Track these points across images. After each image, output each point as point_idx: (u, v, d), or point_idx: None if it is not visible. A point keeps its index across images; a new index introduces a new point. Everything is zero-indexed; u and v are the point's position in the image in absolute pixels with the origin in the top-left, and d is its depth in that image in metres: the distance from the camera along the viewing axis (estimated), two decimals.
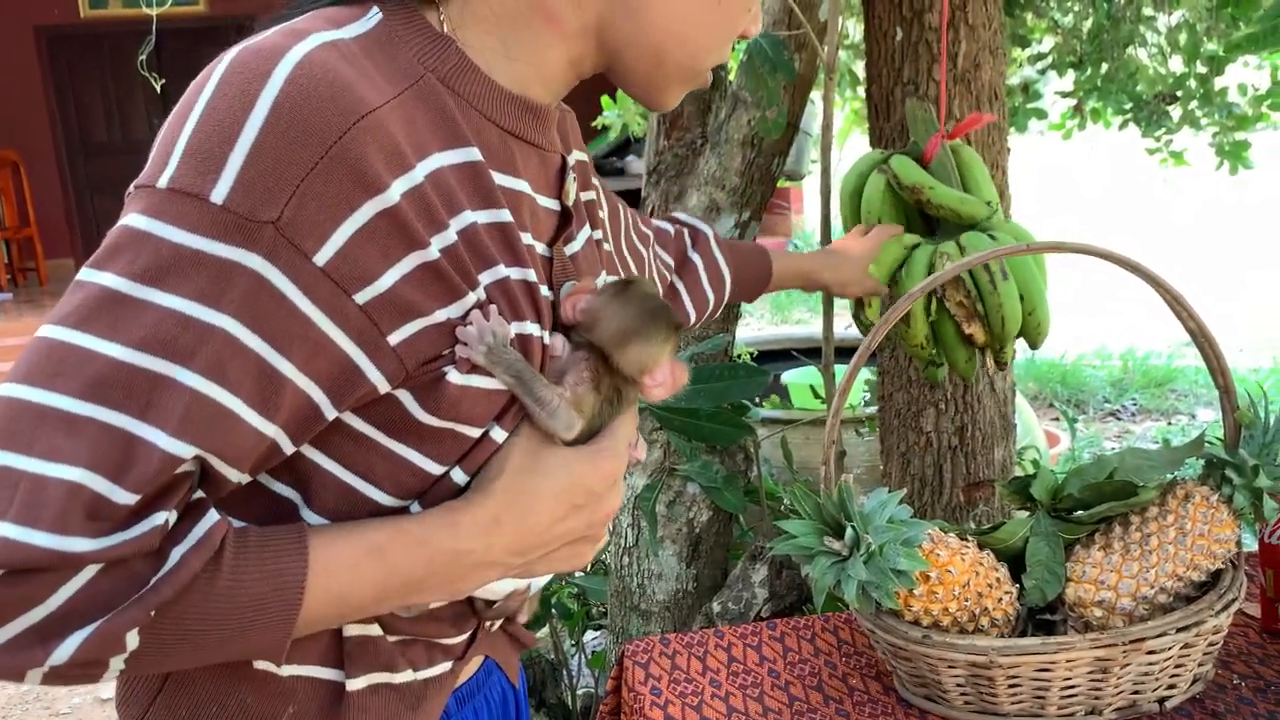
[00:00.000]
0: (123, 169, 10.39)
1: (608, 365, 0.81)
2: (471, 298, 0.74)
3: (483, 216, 0.76)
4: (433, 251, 0.71)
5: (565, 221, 0.88)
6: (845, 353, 3.50)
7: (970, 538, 1.29)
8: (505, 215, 0.77)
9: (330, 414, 0.72)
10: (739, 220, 2.21)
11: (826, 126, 1.75)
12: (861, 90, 3.31)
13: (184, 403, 0.65)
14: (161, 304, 0.65)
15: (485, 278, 0.75)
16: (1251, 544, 1.47)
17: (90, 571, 0.63)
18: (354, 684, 0.82)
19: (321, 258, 0.67)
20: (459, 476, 0.78)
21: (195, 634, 0.67)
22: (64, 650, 0.63)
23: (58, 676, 0.65)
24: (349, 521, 0.75)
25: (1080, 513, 1.29)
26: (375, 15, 0.76)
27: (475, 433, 0.77)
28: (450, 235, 0.72)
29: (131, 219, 0.68)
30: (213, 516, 0.68)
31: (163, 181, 0.67)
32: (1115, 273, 1.30)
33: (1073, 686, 1.19)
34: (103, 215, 10.41)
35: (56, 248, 10.13)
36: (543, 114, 0.84)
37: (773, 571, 2.13)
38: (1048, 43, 5.46)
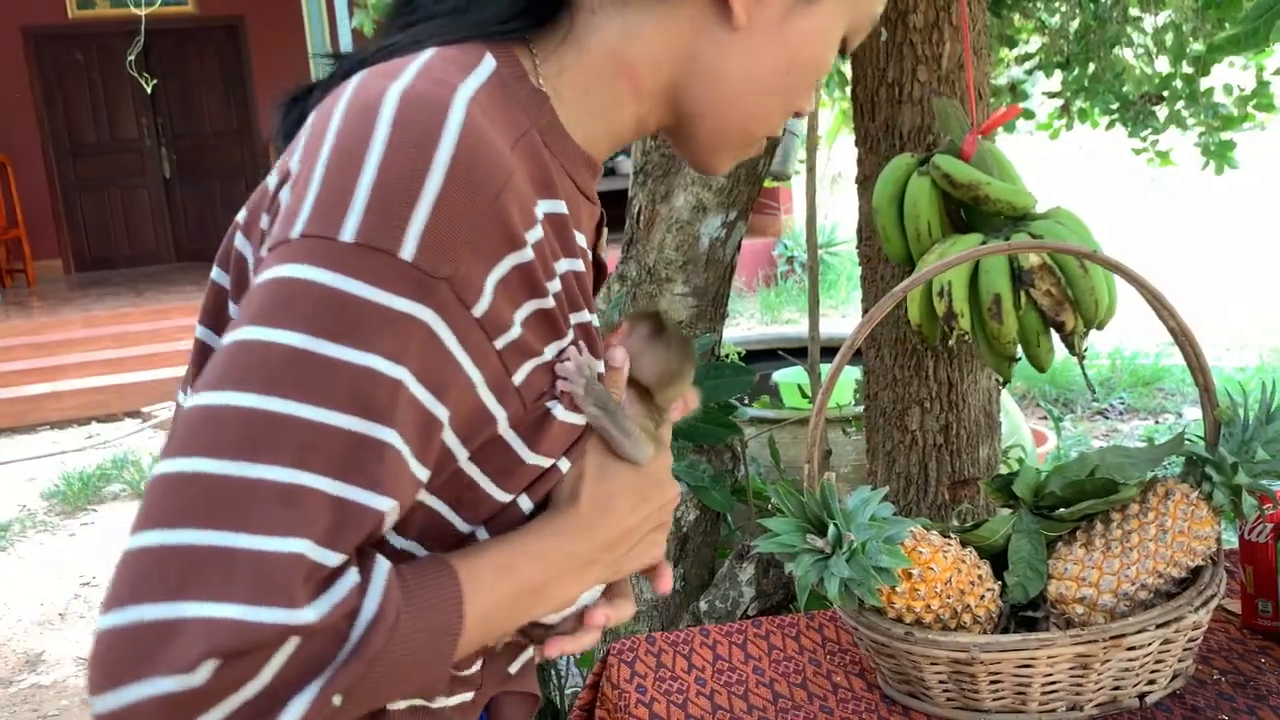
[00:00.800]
0: (111, 169, 10.37)
1: (645, 393, 0.88)
2: (568, 338, 0.79)
3: (571, 265, 0.80)
4: (549, 299, 0.75)
5: (599, 272, 0.93)
6: (834, 352, 3.51)
7: (952, 535, 1.30)
8: (580, 265, 0.81)
9: (463, 458, 0.74)
10: (726, 220, 2.22)
11: (812, 127, 1.76)
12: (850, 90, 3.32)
13: (385, 460, 0.66)
14: (357, 362, 0.65)
15: (573, 319, 0.80)
16: (1233, 541, 1.48)
17: (299, 638, 0.63)
18: (396, 705, 0.81)
19: (478, 310, 0.70)
20: (525, 503, 0.81)
21: (379, 683, 0.67)
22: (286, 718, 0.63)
23: None
24: (469, 547, 0.77)
25: (1062, 510, 1.30)
26: (490, 62, 0.77)
27: (548, 464, 0.81)
28: (557, 282, 0.76)
29: (308, 271, 0.66)
30: (384, 563, 0.68)
31: (346, 235, 0.66)
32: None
33: (1054, 683, 1.20)
34: (91, 215, 10.38)
35: (44, 248, 10.10)
36: (598, 169, 0.88)
37: (759, 570, 2.14)
38: (1035, 43, 5.48)
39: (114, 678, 0.60)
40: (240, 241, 0.79)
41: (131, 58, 6.16)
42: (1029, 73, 5.68)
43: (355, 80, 0.74)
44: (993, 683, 1.20)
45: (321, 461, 0.63)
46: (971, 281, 1.57)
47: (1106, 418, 5.71)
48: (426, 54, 0.75)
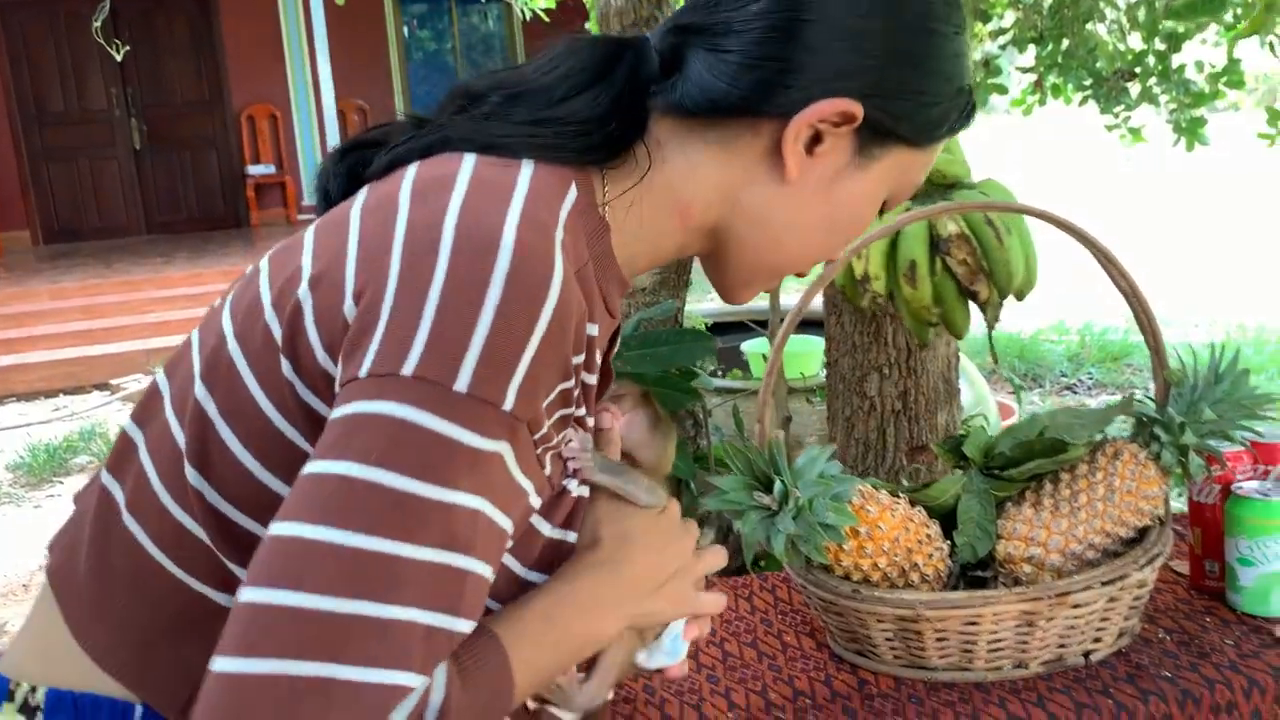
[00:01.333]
0: (79, 139, 10.23)
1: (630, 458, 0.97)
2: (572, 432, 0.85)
3: (589, 379, 0.85)
4: (573, 408, 0.82)
5: (605, 378, 0.96)
6: (809, 324, 3.53)
7: (902, 495, 1.30)
8: (596, 378, 0.86)
9: (509, 545, 0.80)
10: None
11: None
12: None
13: (470, 585, 0.72)
14: (452, 502, 0.70)
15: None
16: (1186, 506, 1.49)
17: None
18: None
19: (538, 435, 0.77)
20: (535, 576, 0.86)
21: None
22: None
23: None
24: (509, 606, 0.83)
25: (1011, 470, 1.30)
26: (573, 194, 0.81)
27: (560, 535, 0.87)
28: (577, 389, 0.81)
29: (422, 417, 0.69)
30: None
31: (461, 386, 0.70)
32: (1072, 250, 1.31)
33: (1000, 640, 1.20)
34: (59, 186, 10.25)
35: (11, 219, 9.97)
36: (629, 288, 0.94)
37: (720, 536, 2.14)
38: (1009, 18, 5.47)
39: None
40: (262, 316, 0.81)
41: (98, 24, 6.07)
42: (1003, 48, 5.67)
43: (446, 200, 0.75)
44: (939, 640, 1.20)
45: (419, 595, 0.69)
46: (893, 247, 1.58)
47: (1075, 392, 5.75)
48: (524, 176, 0.78)
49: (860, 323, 1.93)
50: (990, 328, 1.60)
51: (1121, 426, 1.38)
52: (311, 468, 0.70)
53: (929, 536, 1.25)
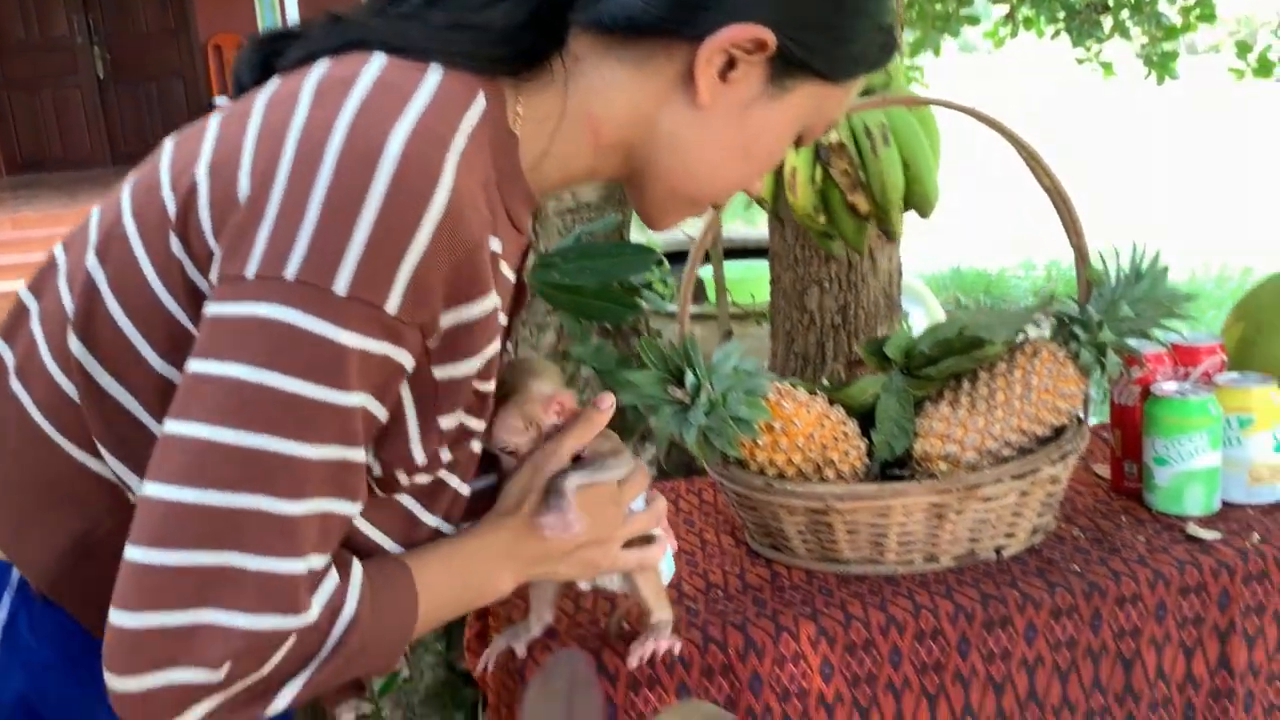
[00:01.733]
0: (41, 67, 10.02)
1: None
2: (481, 357, 0.82)
3: (494, 300, 0.83)
4: (491, 335, 0.83)
5: (519, 294, 0.97)
6: (756, 252, 3.55)
7: (820, 393, 1.29)
8: (497, 301, 0.84)
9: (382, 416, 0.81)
10: None
11: None
12: None
13: (359, 473, 0.77)
14: (342, 403, 0.73)
15: (485, 351, 0.83)
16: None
17: (289, 642, 0.74)
18: None
19: (432, 342, 0.78)
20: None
21: (347, 669, 0.79)
22: (279, 703, 0.76)
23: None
24: (422, 548, 0.89)
25: (930, 369, 1.30)
26: (481, 104, 0.79)
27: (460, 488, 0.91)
28: (490, 303, 0.81)
29: (303, 319, 0.71)
30: (358, 568, 0.81)
31: (340, 287, 0.71)
32: (1040, 190, 1.29)
33: (910, 534, 1.20)
34: (21, 116, 10.05)
35: None
36: (536, 206, 0.92)
37: (662, 450, 2.14)
38: None
39: (136, 666, 0.71)
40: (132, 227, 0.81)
41: None
42: None
43: (343, 102, 0.74)
44: (850, 533, 1.20)
45: (315, 488, 0.74)
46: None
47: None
48: (428, 85, 0.77)
49: (802, 236, 1.92)
50: (891, 239, 1.59)
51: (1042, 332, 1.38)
52: (203, 367, 0.73)
53: (845, 434, 1.25)
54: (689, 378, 1.15)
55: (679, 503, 1.47)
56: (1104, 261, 1.30)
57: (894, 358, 1.32)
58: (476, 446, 0.92)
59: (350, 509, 0.77)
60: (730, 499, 1.29)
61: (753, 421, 1.16)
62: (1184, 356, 1.39)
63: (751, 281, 3.24)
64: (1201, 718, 1.21)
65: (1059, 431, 1.28)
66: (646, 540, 1.03)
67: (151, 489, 0.72)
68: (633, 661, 1.05)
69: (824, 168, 1.50)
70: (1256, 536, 1.24)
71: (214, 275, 0.76)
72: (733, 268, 3.63)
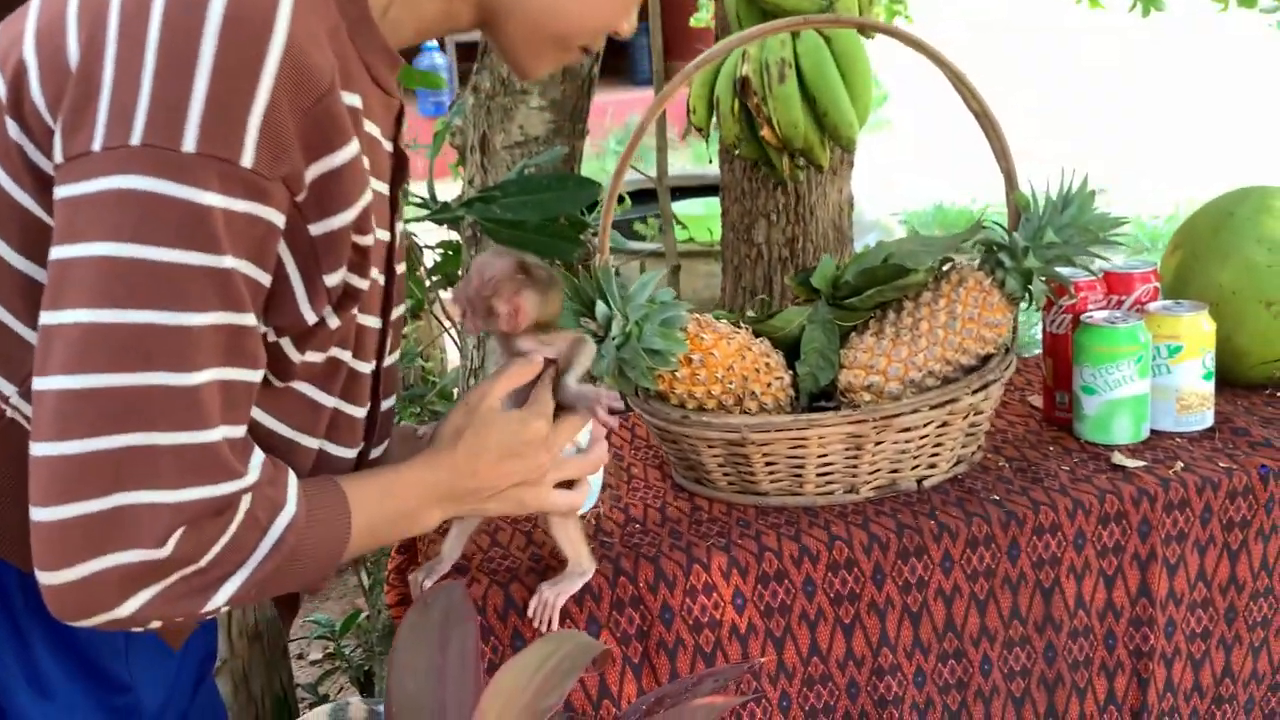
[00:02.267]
0: None
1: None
2: (359, 204, 0.81)
3: (355, 147, 0.81)
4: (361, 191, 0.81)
5: (400, 164, 0.94)
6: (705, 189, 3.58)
7: (744, 325, 1.27)
8: (358, 151, 0.81)
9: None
10: None
11: None
12: None
13: (253, 338, 0.76)
14: (217, 265, 0.72)
15: (360, 201, 0.81)
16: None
17: (235, 521, 0.74)
18: None
19: (300, 197, 0.76)
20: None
21: (283, 577, 0.80)
22: (218, 598, 0.76)
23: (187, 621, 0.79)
24: (356, 473, 0.91)
25: (855, 299, 1.28)
26: None
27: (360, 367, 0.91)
28: (352, 150, 0.79)
29: (157, 185, 0.70)
30: (293, 475, 0.81)
31: (188, 145, 0.70)
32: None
33: (829, 464, 1.19)
34: None
35: None
36: (398, 63, 0.89)
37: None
38: None
39: (67, 558, 0.70)
40: None
41: None
42: None
43: None
44: (768, 465, 1.19)
45: (207, 356, 0.72)
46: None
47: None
48: None
49: (750, 168, 1.89)
50: (819, 169, 1.57)
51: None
52: (67, 252, 0.71)
53: (768, 365, 1.23)
54: (600, 308, 1.13)
55: (611, 438, 1.45)
56: (1032, 188, 1.27)
57: (820, 288, 1.30)
58: (371, 321, 0.90)
59: (250, 376, 0.77)
60: (652, 433, 1.28)
61: (668, 354, 1.14)
62: (1117, 284, 1.36)
63: (713, 218, 3.21)
64: (1122, 645, 1.20)
65: (986, 361, 1.27)
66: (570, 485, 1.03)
67: (41, 384, 0.71)
68: (530, 607, 1.04)
69: (743, 100, 1.47)
70: (1180, 464, 1.23)
71: (58, 154, 0.74)
72: (695, 204, 3.60)
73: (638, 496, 1.27)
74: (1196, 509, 1.20)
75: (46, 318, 0.72)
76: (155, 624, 0.76)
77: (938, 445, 1.22)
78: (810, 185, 1.89)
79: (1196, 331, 1.30)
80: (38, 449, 0.71)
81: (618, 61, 4.26)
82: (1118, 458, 1.25)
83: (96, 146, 0.71)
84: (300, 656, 2.66)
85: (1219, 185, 1.56)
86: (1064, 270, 1.30)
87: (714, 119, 1.68)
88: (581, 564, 1.07)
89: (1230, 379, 1.40)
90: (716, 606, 1.10)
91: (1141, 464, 1.24)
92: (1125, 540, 1.19)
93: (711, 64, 1.62)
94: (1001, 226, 1.29)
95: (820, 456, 1.18)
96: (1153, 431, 1.31)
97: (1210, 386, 1.31)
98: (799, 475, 1.19)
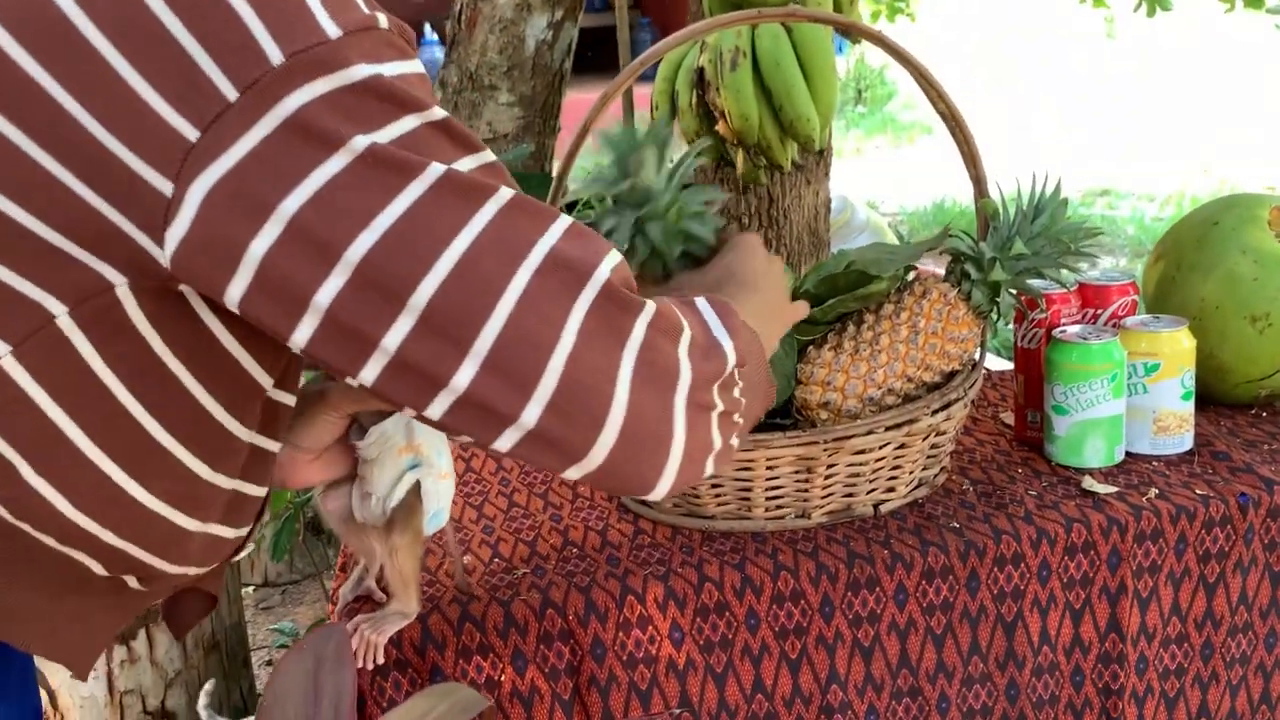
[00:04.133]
0: None
1: None
2: None
3: None
4: None
5: None
6: None
7: None
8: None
9: None
10: (551, 20, 2.06)
11: None
12: None
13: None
14: (439, 117, 0.69)
15: None
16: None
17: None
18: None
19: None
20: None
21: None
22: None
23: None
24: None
25: (815, 311, 1.21)
26: None
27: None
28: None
29: (314, 90, 0.64)
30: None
31: (331, 31, 0.65)
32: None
33: (779, 488, 1.12)
34: None
35: None
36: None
37: None
38: None
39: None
40: None
41: None
42: None
43: None
44: (714, 487, 1.12)
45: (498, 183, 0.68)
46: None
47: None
48: None
49: (722, 167, 1.81)
50: (777, 168, 1.49)
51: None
52: (293, 206, 0.62)
53: None
54: (648, 170, 0.97)
55: None
56: (1002, 195, 1.20)
57: None
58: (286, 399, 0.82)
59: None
60: None
61: (703, 239, 1.01)
62: (1093, 297, 1.29)
63: None
64: (1090, 682, 1.13)
65: (952, 378, 1.19)
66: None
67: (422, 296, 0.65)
68: (354, 644, 0.95)
69: (700, 93, 1.40)
70: (1154, 491, 1.15)
71: (187, 134, 0.61)
72: None
73: (580, 518, 1.20)
74: (1170, 539, 1.12)
75: (338, 272, 0.62)
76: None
77: (895, 468, 1.14)
78: (784, 187, 1.82)
79: (1176, 348, 1.22)
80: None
81: (608, 57, 4.18)
82: (1088, 483, 1.18)
83: (232, 96, 0.61)
84: (269, 664, 2.61)
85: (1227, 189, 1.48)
86: (1037, 282, 1.22)
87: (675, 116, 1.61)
88: (409, 604, 0.98)
89: (1212, 398, 1.32)
90: (652, 641, 1.03)
91: (1113, 490, 1.16)
92: (1094, 572, 1.11)
93: (674, 58, 1.55)
94: (970, 236, 1.22)
95: (769, 479, 1.11)
96: (1128, 454, 1.23)
97: (1189, 407, 1.24)
98: (746, 499, 1.12)
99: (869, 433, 1.10)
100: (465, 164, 0.67)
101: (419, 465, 0.95)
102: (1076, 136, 7.40)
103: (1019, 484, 1.20)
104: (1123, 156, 7.00)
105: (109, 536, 0.71)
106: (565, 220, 0.69)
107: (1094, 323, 1.28)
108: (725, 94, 1.35)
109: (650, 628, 1.03)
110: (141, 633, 1.94)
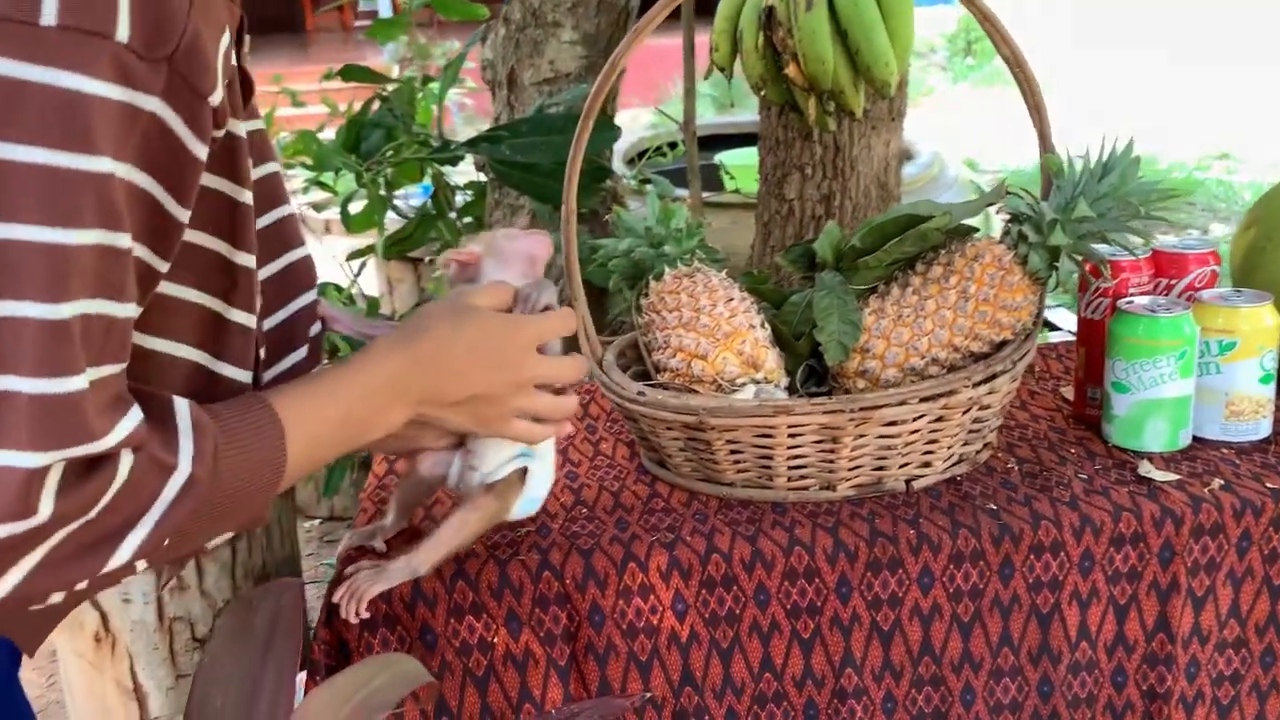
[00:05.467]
0: None
1: None
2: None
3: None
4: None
5: (246, 85, 0.81)
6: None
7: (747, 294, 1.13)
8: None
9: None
10: None
11: None
12: None
13: (130, 266, 0.64)
14: (88, 169, 0.60)
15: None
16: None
17: (124, 468, 0.62)
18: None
19: (211, 95, 0.68)
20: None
21: (197, 524, 0.68)
22: (121, 555, 0.64)
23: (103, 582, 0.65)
24: (291, 383, 0.77)
25: (867, 259, 1.12)
26: None
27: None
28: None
29: (5, 66, 0.58)
30: (185, 411, 0.68)
31: (49, 18, 0.58)
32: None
33: (802, 457, 1.05)
34: None
35: None
36: None
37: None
38: None
39: None
40: None
41: None
42: None
43: None
44: (733, 453, 1.05)
45: (83, 286, 0.60)
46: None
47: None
48: None
49: (787, 115, 1.72)
50: (851, 116, 1.40)
51: None
52: None
53: (756, 339, 1.09)
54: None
55: (590, 406, 1.33)
56: (1069, 153, 1.10)
57: (825, 258, 1.15)
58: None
59: (125, 313, 0.65)
60: (616, 407, 1.15)
61: None
62: (1167, 266, 1.18)
63: (751, 168, 3.03)
64: (1134, 684, 1.05)
65: (1001, 349, 1.10)
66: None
67: None
68: (338, 593, 0.91)
69: (768, 34, 1.31)
70: (1219, 482, 1.05)
71: None
72: (747, 154, 3.42)
73: (596, 476, 1.15)
74: (1233, 535, 1.02)
75: None
76: (55, 597, 0.65)
77: (931, 442, 1.06)
78: (852, 136, 1.72)
79: (1256, 326, 1.11)
80: None
81: None
82: (1145, 468, 1.08)
83: None
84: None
85: None
86: (1102, 248, 1.12)
87: (739, 57, 1.52)
88: (425, 565, 0.94)
89: None
90: (654, 611, 0.98)
91: (1173, 477, 1.07)
92: (1142, 566, 1.02)
93: None
94: (1031, 195, 1.12)
95: (790, 448, 1.04)
96: (1195, 439, 1.13)
97: (1269, 391, 1.13)
98: (767, 467, 1.06)
99: (902, 403, 1.02)
100: (89, 236, 0.60)
101: (530, 454, 0.94)
102: (1197, 96, 7.01)
103: (1069, 465, 1.11)
104: (1250, 120, 6.61)
105: None
106: (63, 388, 0.60)
107: (1167, 294, 1.18)
108: (800, 35, 1.26)
109: (651, 597, 0.98)
110: (191, 563, 1.96)
